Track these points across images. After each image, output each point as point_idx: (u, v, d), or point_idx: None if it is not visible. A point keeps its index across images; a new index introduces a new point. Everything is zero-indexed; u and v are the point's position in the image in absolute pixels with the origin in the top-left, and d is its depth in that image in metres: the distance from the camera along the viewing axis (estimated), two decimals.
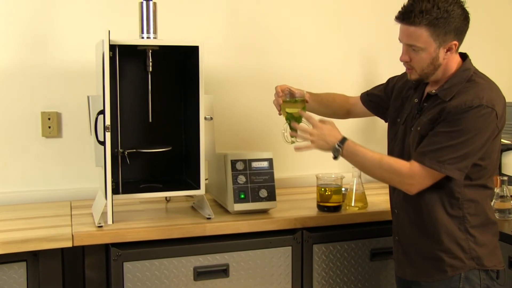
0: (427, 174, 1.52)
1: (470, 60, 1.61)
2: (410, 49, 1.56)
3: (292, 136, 1.71)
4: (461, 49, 1.64)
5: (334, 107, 1.96)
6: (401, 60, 1.60)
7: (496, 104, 1.50)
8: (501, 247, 1.66)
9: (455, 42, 1.54)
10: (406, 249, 1.68)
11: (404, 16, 1.52)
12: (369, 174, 1.62)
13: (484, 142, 1.51)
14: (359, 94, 1.97)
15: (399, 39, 1.58)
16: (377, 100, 1.90)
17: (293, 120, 1.71)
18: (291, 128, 1.72)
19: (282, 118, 1.77)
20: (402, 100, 1.73)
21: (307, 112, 1.71)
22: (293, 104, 1.74)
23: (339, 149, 1.60)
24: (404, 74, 1.78)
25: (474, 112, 1.48)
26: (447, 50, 1.54)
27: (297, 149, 1.67)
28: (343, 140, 1.61)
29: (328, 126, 1.63)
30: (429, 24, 1.49)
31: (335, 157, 1.63)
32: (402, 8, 1.54)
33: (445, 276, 1.58)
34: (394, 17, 1.56)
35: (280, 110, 1.77)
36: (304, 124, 1.68)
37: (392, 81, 1.86)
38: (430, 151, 1.51)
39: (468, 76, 1.56)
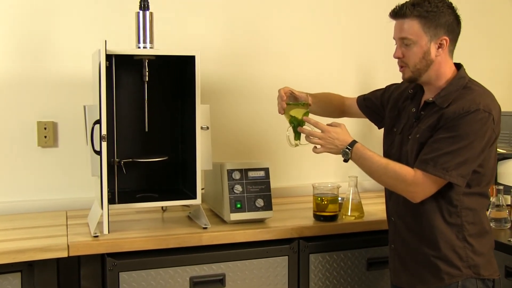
0: (431, 181, 1.53)
1: (464, 69, 1.64)
2: (402, 45, 1.60)
3: (296, 139, 1.75)
4: (457, 60, 1.66)
5: (330, 108, 1.99)
6: (394, 56, 1.63)
7: (492, 109, 1.53)
8: (497, 256, 1.67)
9: (446, 37, 1.57)
10: (403, 257, 1.67)
11: (396, 12, 1.59)
12: (375, 179, 1.63)
13: (483, 147, 1.52)
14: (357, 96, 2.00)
15: (393, 38, 1.63)
16: (373, 106, 1.92)
17: (296, 123, 1.75)
18: (295, 131, 1.75)
19: (282, 124, 1.80)
20: (399, 110, 1.75)
21: (313, 119, 1.74)
22: (296, 108, 1.77)
23: (348, 152, 1.63)
24: (400, 85, 1.80)
25: (472, 117, 1.50)
26: (439, 47, 1.58)
27: (315, 151, 1.70)
28: (352, 143, 1.64)
29: (338, 129, 1.66)
30: (420, 16, 1.55)
31: (345, 160, 1.66)
32: (395, 7, 1.61)
33: (442, 284, 1.58)
34: (389, 19, 1.62)
35: (284, 112, 1.79)
36: (308, 128, 1.71)
37: (389, 90, 1.87)
38: (432, 159, 1.51)
39: (464, 83, 1.59)
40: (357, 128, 2.48)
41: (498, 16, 2.81)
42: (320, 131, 1.67)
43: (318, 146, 1.67)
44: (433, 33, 1.56)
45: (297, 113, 1.76)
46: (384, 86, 1.92)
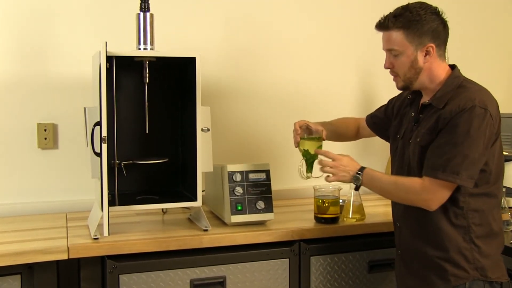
0: (441, 187, 1.53)
1: (458, 69, 1.65)
2: (391, 56, 1.63)
3: (308, 172, 1.82)
4: (457, 61, 1.67)
5: (348, 134, 2.05)
6: (385, 67, 1.67)
7: (488, 105, 1.52)
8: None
9: (431, 44, 1.58)
10: (408, 261, 1.67)
11: (380, 24, 1.62)
12: (389, 197, 1.67)
13: (485, 144, 1.52)
14: (360, 115, 2.05)
15: (382, 49, 1.66)
16: (380, 122, 1.95)
17: (309, 157, 1.82)
18: (307, 164, 1.82)
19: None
20: (401, 117, 1.77)
21: (324, 150, 1.79)
22: (310, 142, 1.83)
23: (359, 177, 1.66)
24: (401, 94, 1.84)
25: (469, 114, 1.50)
26: (426, 54, 1.59)
27: (328, 180, 1.74)
28: (362, 168, 1.68)
29: (347, 158, 1.71)
30: (403, 27, 1.57)
31: (357, 187, 1.70)
32: (380, 19, 1.64)
33: (449, 285, 1.57)
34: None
35: (298, 146, 1.85)
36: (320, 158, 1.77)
37: (391, 102, 1.90)
38: (440, 164, 1.51)
39: (459, 82, 1.60)
40: (363, 141, 2.44)
41: (498, 17, 2.81)
42: (331, 160, 1.72)
43: (331, 175, 1.71)
44: (417, 42, 1.58)
45: (311, 147, 1.81)
46: (386, 88, 1.96)
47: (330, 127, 1.94)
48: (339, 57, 2.53)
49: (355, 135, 2.06)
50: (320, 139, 1.83)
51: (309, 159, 1.82)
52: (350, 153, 1.80)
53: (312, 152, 1.80)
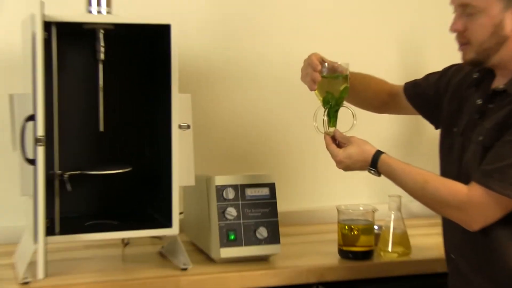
0: (495, 202, 1.52)
1: None
2: (463, 15, 1.60)
3: (331, 125, 1.79)
4: None
5: (369, 95, 2.03)
6: (452, 29, 1.63)
7: None
8: None
9: None
10: None
11: None
12: (415, 199, 1.68)
13: None
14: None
15: (451, 4, 1.64)
16: (425, 96, 1.93)
17: (334, 102, 1.79)
18: (331, 114, 1.79)
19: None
20: (460, 101, 1.75)
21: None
22: (335, 82, 1.80)
23: (373, 173, 1.70)
24: (461, 67, 1.81)
25: None
26: None
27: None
28: (375, 159, 1.67)
29: (354, 149, 1.71)
30: None
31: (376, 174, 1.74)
32: None
33: None
34: None
35: (315, 88, 1.79)
36: (340, 133, 1.77)
37: (447, 74, 1.87)
38: (497, 170, 1.51)
39: None
40: (399, 130, 2.45)
41: None
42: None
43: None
44: None
45: (335, 88, 1.79)
46: (438, 69, 1.94)
47: (351, 78, 1.90)
48: (373, 26, 2.52)
49: (380, 102, 2.04)
50: (346, 78, 1.80)
51: (334, 107, 1.79)
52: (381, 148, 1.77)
53: (337, 95, 1.79)
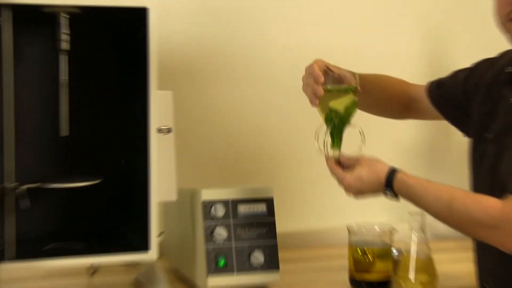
0: None
1: None
2: None
3: (335, 147, 1.77)
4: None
5: (388, 99, 2.03)
6: (500, 9, 1.65)
7: None
8: None
9: None
10: None
11: None
12: (441, 221, 1.67)
13: None
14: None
15: None
16: (453, 97, 1.92)
17: (338, 120, 1.75)
18: (334, 135, 1.76)
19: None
20: (493, 103, 1.74)
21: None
22: (340, 96, 1.76)
23: (388, 196, 1.70)
24: (495, 60, 1.82)
25: None
26: None
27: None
28: (389, 180, 1.66)
29: (364, 170, 1.70)
30: None
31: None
32: None
33: None
34: None
35: (317, 103, 1.74)
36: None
37: (477, 72, 1.87)
38: None
39: None
40: (422, 137, 2.46)
41: None
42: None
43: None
44: None
45: (340, 103, 1.75)
46: (470, 59, 1.94)
47: (362, 82, 1.86)
48: (393, 10, 2.52)
49: (401, 106, 2.05)
50: (355, 92, 1.75)
51: (339, 125, 1.76)
52: (399, 164, 1.75)
53: (343, 111, 1.74)
